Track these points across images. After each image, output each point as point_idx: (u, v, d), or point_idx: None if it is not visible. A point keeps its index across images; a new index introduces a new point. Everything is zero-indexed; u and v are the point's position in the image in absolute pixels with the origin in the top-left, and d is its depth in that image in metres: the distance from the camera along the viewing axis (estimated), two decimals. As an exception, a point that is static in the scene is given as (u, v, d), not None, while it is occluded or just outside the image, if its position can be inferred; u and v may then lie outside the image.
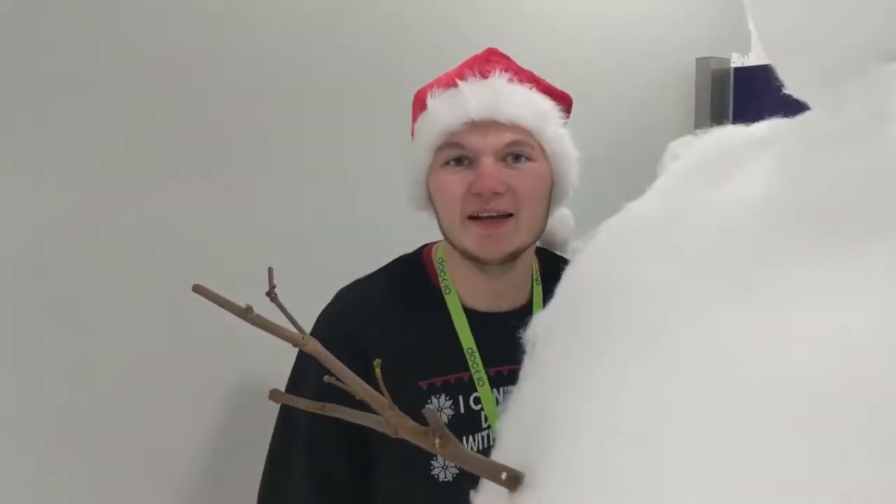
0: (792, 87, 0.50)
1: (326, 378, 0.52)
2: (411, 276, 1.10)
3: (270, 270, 0.53)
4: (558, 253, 1.20)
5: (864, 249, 0.38)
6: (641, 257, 0.50)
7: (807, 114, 0.52)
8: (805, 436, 0.35)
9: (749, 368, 0.39)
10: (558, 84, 1.09)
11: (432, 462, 1.00)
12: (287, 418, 1.06)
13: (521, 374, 0.61)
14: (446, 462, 0.99)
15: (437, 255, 1.11)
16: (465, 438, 1.02)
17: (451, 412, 1.03)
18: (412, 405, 0.58)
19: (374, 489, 1.04)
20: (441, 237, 1.08)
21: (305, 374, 1.04)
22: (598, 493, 0.43)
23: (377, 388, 0.50)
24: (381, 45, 1.46)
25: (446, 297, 1.07)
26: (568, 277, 0.60)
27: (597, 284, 0.54)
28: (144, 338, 1.23)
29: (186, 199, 1.26)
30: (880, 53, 0.45)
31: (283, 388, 1.06)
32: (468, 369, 1.04)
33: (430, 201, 1.07)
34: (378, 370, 0.48)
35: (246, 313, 0.48)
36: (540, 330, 0.59)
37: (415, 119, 1.07)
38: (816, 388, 0.35)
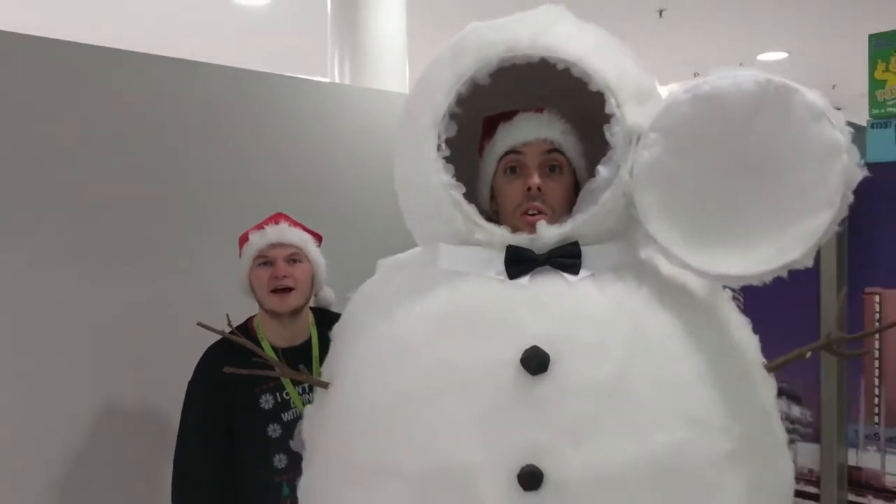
0: (419, 242, 1.53)
1: (253, 359, 1.43)
2: (242, 333, 2.00)
3: (227, 316, 1.43)
4: (326, 308, 2.18)
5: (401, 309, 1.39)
6: (361, 306, 1.50)
7: (418, 249, 1.55)
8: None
9: (380, 337, 1.37)
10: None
11: (268, 427, 1.91)
12: (185, 417, 1.92)
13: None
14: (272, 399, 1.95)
15: (256, 320, 2.05)
16: (282, 413, 1.93)
17: (273, 401, 1.94)
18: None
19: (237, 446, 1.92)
20: (257, 312, 2.02)
21: (209, 372, 1.92)
22: (352, 385, 1.39)
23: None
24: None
25: (262, 342, 1.99)
26: (344, 311, 1.58)
27: (349, 317, 1.54)
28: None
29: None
30: (449, 238, 1.44)
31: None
32: (278, 378, 1.96)
33: (251, 289, 1.99)
34: (275, 356, 1.41)
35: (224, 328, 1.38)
36: (334, 333, 1.56)
37: (241, 246, 2.03)
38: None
